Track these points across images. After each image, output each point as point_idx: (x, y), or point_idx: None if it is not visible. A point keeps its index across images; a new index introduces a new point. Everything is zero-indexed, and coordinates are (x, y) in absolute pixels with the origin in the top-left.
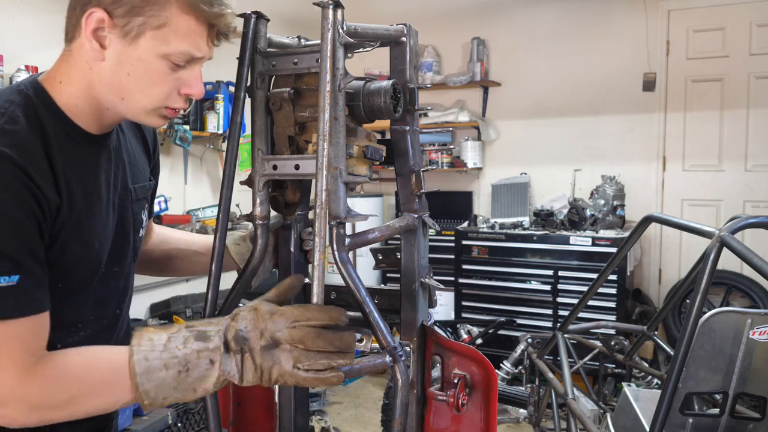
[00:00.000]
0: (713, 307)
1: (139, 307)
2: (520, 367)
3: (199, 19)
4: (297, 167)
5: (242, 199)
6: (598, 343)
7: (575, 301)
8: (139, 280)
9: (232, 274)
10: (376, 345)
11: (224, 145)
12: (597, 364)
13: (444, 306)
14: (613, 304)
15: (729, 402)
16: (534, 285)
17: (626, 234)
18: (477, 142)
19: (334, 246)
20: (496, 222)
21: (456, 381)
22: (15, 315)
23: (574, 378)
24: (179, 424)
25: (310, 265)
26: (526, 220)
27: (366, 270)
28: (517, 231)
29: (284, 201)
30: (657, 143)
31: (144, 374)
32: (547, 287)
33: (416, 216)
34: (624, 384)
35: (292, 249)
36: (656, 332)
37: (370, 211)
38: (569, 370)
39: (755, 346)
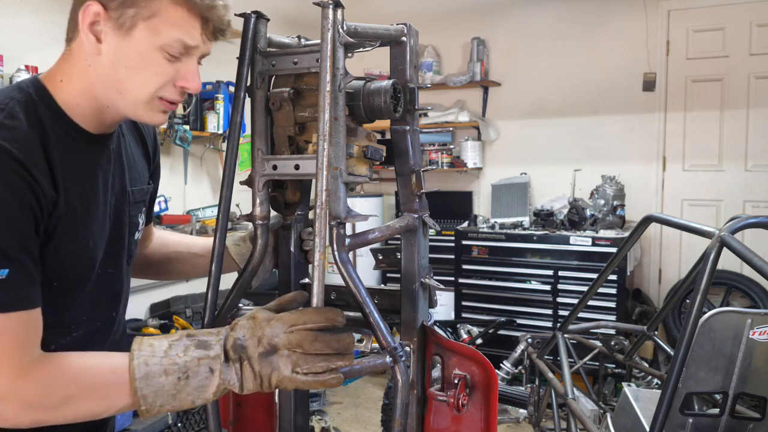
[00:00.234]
0: (713, 307)
1: (139, 307)
2: (520, 367)
3: (191, 11)
4: (297, 167)
5: (242, 199)
6: (598, 343)
7: (575, 301)
8: (139, 280)
9: (232, 275)
10: (377, 345)
11: (224, 145)
12: (597, 364)
13: (444, 306)
14: (613, 304)
15: (729, 402)
16: (534, 285)
17: (626, 234)
18: (477, 142)
19: (334, 246)
20: (496, 222)
21: (456, 381)
22: (3, 309)
23: (574, 378)
24: (179, 425)
25: (310, 265)
26: (526, 220)
27: (366, 270)
28: (517, 231)
29: (284, 201)
30: (657, 143)
31: (143, 379)
32: (547, 287)
33: (416, 216)
34: (624, 384)
35: (292, 249)
36: (656, 332)
37: (370, 211)
38: (569, 370)
39: (755, 346)
